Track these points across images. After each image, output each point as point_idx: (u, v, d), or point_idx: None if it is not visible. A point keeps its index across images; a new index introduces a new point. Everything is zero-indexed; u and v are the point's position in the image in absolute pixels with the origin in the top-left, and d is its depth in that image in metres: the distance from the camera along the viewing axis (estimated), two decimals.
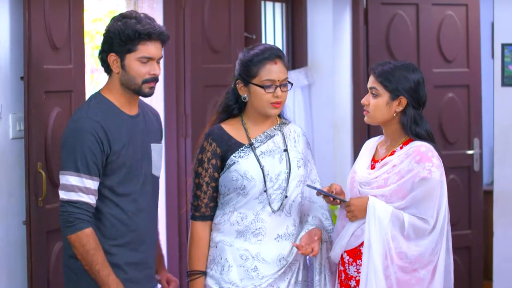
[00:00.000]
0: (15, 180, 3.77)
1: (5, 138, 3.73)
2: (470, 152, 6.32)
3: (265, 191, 3.51)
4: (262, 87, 3.49)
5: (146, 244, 3.42)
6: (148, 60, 3.35)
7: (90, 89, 4.69)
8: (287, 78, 3.54)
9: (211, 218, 3.58)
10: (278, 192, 3.53)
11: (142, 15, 3.37)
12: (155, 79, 3.39)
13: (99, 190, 3.28)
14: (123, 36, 3.30)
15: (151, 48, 3.35)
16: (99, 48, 3.39)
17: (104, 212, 3.31)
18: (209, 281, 3.57)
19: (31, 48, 3.69)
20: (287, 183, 3.55)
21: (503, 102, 5.42)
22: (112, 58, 3.34)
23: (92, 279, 3.28)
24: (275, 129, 3.63)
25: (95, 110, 3.31)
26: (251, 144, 3.56)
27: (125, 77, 3.35)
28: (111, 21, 3.37)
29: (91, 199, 3.24)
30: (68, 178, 3.23)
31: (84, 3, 4.14)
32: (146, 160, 3.41)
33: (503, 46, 5.41)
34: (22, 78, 3.73)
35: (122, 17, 3.35)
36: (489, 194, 5.93)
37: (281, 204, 3.53)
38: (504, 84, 5.42)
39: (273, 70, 3.50)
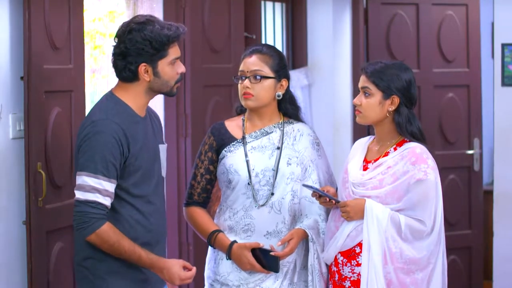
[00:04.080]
0: (15, 180, 3.77)
1: (5, 138, 3.73)
2: (470, 152, 6.32)
3: (249, 183, 3.56)
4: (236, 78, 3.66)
5: (160, 244, 3.44)
6: (176, 60, 3.36)
7: (90, 89, 4.69)
8: (260, 70, 3.58)
9: (203, 206, 3.70)
10: (265, 188, 3.58)
11: (154, 18, 3.35)
12: (182, 77, 3.42)
13: (116, 192, 3.27)
14: (156, 44, 3.27)
15: (177, 49, 3.37)
16: (121, 61, 3.30)
17: (123, 214, 3.30)
18: (206, 273, 3.70)
19: (31, 48, 3.69)
20: (274, 179, 3.57)
21: (503, 102, 5.42)
22: (143, 68, 3.30)
23: (108, 278, 3.29)
24: (274, 126, 3.67)
25: (113, 112, 3.28)
26: (243, 139, 3.62)
27: (158, 83, 3.34)
28: (128, 33, 3.27)
29: (107, 201, 3.23)
30: (85, 179, 3.20)
31: (84, 3, 4.14)
32: (157, 162, 3.42)
33: (503, 46, 5.40)
34: (22, 78, 3.73)
35: (142, 25, 3.28)
36: (489, 194, 5.92)
37: (267, 200, 3.56)
38: (504, 84, 5.42)
39: (244, 62, 3.62)
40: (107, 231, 3.22)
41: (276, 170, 3.60)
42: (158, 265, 3.30)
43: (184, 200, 3.74)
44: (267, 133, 3.66)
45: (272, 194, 3.59)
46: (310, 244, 3.58)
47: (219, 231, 3.61)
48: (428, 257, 3.47)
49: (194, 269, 3.36)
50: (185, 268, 3.36)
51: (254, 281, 3.58)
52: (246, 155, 3.61)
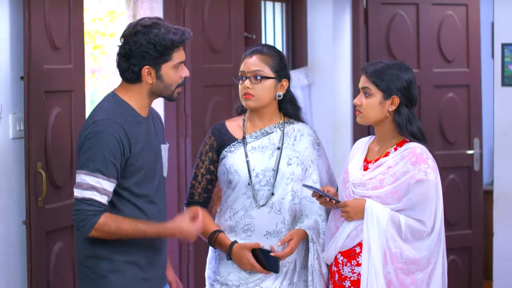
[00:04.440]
0: (15, 180, 3.77)
1: (5, 138, 3.74)
2: (470, 152, 6.32)
3: (249, 183, 3.57)
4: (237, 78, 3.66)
5: (162, 243, 3.45)
6: (180, 64, 3.37)
7: (90, 89, 4.70)
8: (260, 71, 3.59)
9: (204, 205, 3.70)
10: (266, 188, 3.59)
11: (161, 21, 3.35)
12: (184, 82, 3.43)
13: (118, 191, 3.29)
14: (160, 48, 3.28)
15: (182, 53, 3.38)
16: (124, 62, 3.31)
17: (125, 213, 3.31)
18: (207, 273, 3.71)
19: (31, 48, 3.69)
20: (275, 180, 3.57)
21: (503, 102, 5.42)
22: (146, 70, 3.31)
23: (108, 276, 3.30)
24: (275, 126, 3.67)
25: (115, 112, 3.29)
26: (243, 139, 3.62)
27: (160, 86, 3.35)
28: (133, 35, 3.28)
29: (103, 199, 3.24)
30: (83, 177, 3.22)
31: (84, 3, 4.14)
32: (159, 162, 3.43)
33: (503, 46, 5.41)
34: (22, 78, 3.74)
35: (147, 28, 3.29)
36: (489, 194, 5.92)
37: (267, 200, 3.57)
38: (504, 84, 5.42)
39: (244, 63, 3.63)
40: (106, 223, 3.23)
41: (276, 170, 3.60)
42: (166, 231, 3.33)
43: (185, 199, 3.75)
44: (268, 133, 3.67)
45: (272, 194, 3.59)
46: (310, 244, 3.58)
47: (219, 231, 3.62)
48: (428, 257, 3.47)
49: (200, 213, 3.36)
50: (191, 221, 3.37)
51: (253, 281, 3.58)
52: (246, 156, 3.62)
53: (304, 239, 3.61)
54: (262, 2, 5.75)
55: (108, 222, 3.23)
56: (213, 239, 3.61)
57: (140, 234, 3.28)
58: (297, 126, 3.71)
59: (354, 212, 3.47)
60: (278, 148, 3.64)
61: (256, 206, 3.59)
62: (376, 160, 3.56)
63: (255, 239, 3.58)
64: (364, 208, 3.45)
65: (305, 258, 3.64)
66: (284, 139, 3.66)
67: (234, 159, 3.62)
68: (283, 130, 3.67)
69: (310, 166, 3.66)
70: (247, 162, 3.60)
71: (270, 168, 3.61)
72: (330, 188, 3.60)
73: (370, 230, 3.43)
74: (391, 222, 3.43)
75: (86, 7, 4.33)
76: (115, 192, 3.28)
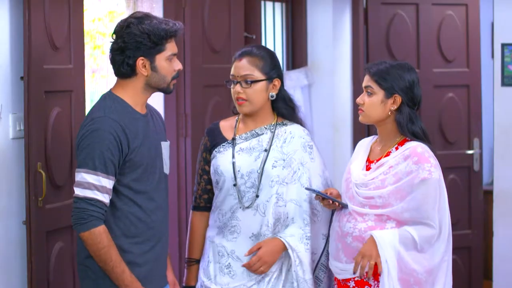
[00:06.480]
0: (15, 180, 3.77)
1: (5, 138, 3.74)
2: (470, 152, 6.32)
3: (234, 185, 3.57)
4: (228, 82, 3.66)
5: (162, 242, 3.45)
6: (173, 57, 3.39)
7: (90, 89, 4.70)
8: (250, 75, 3.57)
9: (205, 209, 3.72)
10: (251, 190, 3.58)
11: (151, 14, 3.38)
12: (178, 74, 3.44)
13: (117, 188, 3.29)
14: (154, 37, 3.30)
15: (174, 45, 3.39)
16: (119, 56, 3.32)
17: (123, 210, 3.32)
18: (200, 272, 3.70)
19: (31, 48, 3.69)
20: (259, 182, 3.57)
21: (503, 102, 5.42)
22: (141, 62, 3.32)
23: (108, 276, 3.29)
24: (266, 128, 3.66)
25: (111, 109, 3.30)
26: (233, 140, 3.63)
27: (155, 78, 3.36)
28: (126, 27, 3.30)
29: (105, 198, 3.24)
30: (84, 176, 3.23)
31: (84, 3, 4.14)
32: (159, 158, 3.44)
33: (503, 46, 5.41)
34: (22, 78, 3.74)
35: (140, 20, 3.31)
36: (489, 194, 5.92)
37: (252, 202, 3.56)
38: (504, 84, 5.42)
39: (234, 66, 3.61)
40: (102, 234, 3.23)
41: (261, 172, 3.59)
42: (137, 286, 3.31)
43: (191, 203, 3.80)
44: (258, 135, 3.65)
45: (257, 196, 3.58)
46: (289, 252, 3.56)
47: (197, 262, 3.69)
48: (442, 256, 3.46)
49: None
50: None
51: (235, 287, 3.58)
52: (233, 156, 3.61)
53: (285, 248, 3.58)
54: (262, 2, 5.75)
55: (103, 236, 3.23)
56: (188, 263, 3.71)
57: (119, 269, 3.26)
58: (290, 128, 3.68)
59: (369, 254, 3.41)
60: (266, 150, 3.63)
61: (241, 208, 3.58)
62: (378, 160, 3.55)
63: (241, 241, 3.58)
64: (374, 241, 3.41)
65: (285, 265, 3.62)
66: (273, 141, 3.64)
67: (221, 160, 3.62)
68: (274, 132, 3.66)
69: (299, 169, 3.62)
70: (233, 163, 3.60)
71: (255, 170, 3.59)
72: (333, 190, 3.59)
73: (387, 255, 3.39)
74: (405, 240, 3.39)
75: (86, 7, 4.33)
76: (114, 189, 3.29)
